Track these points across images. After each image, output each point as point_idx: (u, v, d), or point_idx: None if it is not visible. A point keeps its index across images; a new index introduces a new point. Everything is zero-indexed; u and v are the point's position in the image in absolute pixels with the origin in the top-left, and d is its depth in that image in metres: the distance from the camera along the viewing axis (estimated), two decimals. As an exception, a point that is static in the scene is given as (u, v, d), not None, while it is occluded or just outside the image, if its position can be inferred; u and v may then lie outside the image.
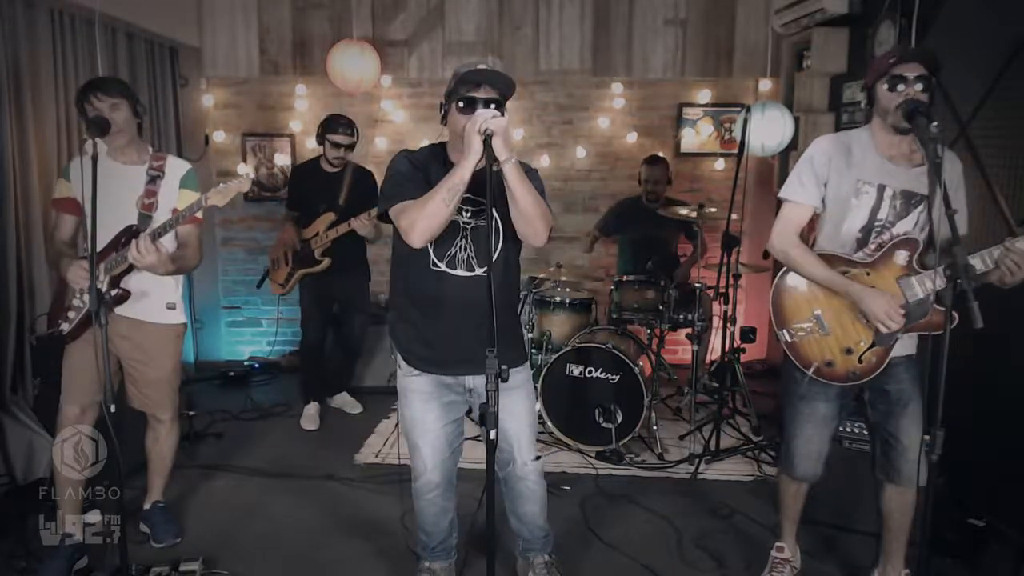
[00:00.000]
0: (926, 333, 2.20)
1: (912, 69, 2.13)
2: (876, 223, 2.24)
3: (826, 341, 2.27)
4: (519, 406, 2.33)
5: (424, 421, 2.31)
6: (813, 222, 2.39)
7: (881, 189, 2.22)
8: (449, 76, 2.16)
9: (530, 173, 2.19)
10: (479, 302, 2.16)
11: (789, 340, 2.31)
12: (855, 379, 2.27)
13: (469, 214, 2.18)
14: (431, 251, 2.19)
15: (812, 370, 2.28)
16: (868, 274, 2.23)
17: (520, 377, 2.35)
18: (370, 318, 4.55)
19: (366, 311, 4.46)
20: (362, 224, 3.90)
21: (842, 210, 2.25)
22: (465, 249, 2.19)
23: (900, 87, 2.13)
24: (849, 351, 2.25)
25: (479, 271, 2.20)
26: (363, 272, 4.35)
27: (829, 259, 2.26)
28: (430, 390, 2.30)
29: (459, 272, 2.19)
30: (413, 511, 2.48)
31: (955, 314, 1.89)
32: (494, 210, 2.13)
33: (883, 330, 2.17)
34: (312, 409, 4.30)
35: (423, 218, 2.00)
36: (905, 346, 2.28)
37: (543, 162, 5.34)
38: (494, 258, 2.17)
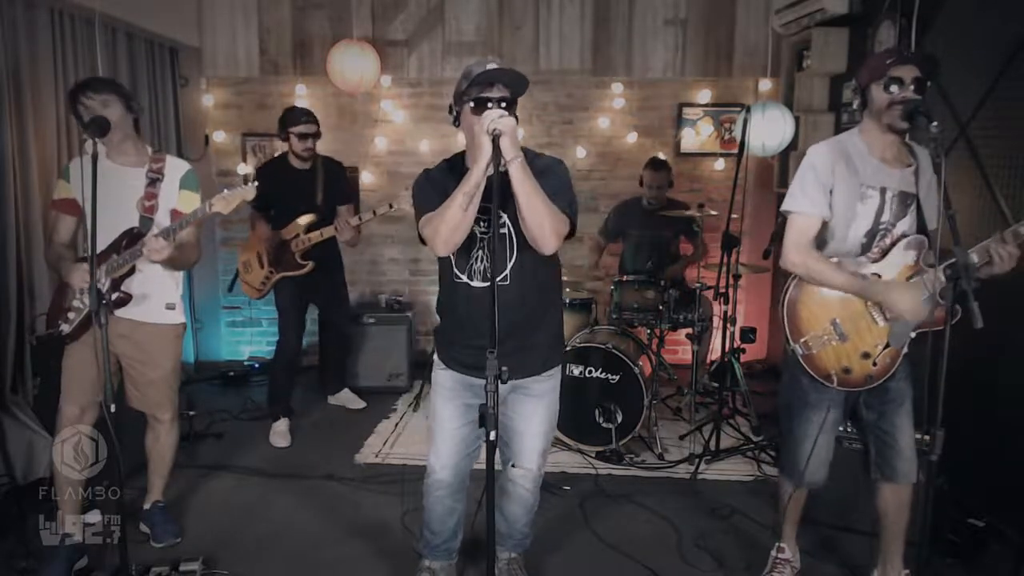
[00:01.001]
0: (926, 330, 2.20)
1: (909, 71, 2.12)
2: (880, 226, 2.24)
3: (843, 348, 2.25)
4: (539, 413, 2.33)
5: (442, 418, 2.33)
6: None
7: (883, 192, 2.21)
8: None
9: (555, 166, 2.16)
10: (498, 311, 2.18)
11: (805, 352, 2.27)
12: (871, 382, 2.26)
13: (486, 224, 2.16)
14: (453, 262, 2.20)
15: (836, 381, 2.25)
16: (880, 277, 2.23)
17: (546, 386, 2.34)
18: (352, 315, 4.52)
19: (348, 308, 4.42)
20: (345, 230, 3.86)
21: (847, 216, 2.23)
22: (482, 260, 2.18)
23: (895, 88, 2.12)
24: (867, 355, 2.24)
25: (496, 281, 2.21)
26: (340, 269, 4.27)
27: (839, 267, 2.25)
28: (452, 386, 2.32)
29: (476, 283, 2.19)
30: (414, 511, 2.49)
31: (957, 307, 1.89)
32: (507, 217, 2.13)
33: (909, 319, 2.15)
34: (283, 425, 4.01)
35: (443, 226, 2.01)
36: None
37: (543, 162, 5.32)
38: (509, 265, 2.17)
